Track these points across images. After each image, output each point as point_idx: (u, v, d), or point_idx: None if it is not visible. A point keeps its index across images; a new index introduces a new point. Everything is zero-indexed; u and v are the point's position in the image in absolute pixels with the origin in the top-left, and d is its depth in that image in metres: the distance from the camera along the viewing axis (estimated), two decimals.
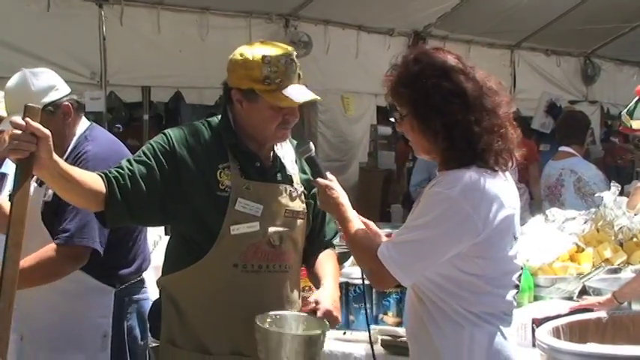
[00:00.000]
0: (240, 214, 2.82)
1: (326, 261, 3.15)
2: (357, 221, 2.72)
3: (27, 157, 2.41)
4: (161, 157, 2.78)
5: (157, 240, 4.33)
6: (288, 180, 2.99)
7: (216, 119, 2.96)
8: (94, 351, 3.27)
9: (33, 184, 3.35)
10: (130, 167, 2.74)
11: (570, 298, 3.87)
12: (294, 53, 2.89)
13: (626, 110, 5.39)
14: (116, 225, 3.00)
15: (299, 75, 2.88)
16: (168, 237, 3.10)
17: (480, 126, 2.46)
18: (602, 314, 3.24)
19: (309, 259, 3.16)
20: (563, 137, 6.60)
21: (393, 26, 11.35)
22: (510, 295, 2.58)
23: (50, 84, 3.32)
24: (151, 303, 3.46)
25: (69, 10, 8.40)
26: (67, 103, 3.31)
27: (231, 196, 2.81)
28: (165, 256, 3.01)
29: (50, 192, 3.22)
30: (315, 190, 3.00)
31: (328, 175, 2.85)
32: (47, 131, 2.43)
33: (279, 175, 2.97)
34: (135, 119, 10.65)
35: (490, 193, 2.44)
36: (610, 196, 4.73)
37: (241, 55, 2.86)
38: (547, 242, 4.29)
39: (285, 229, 2.93)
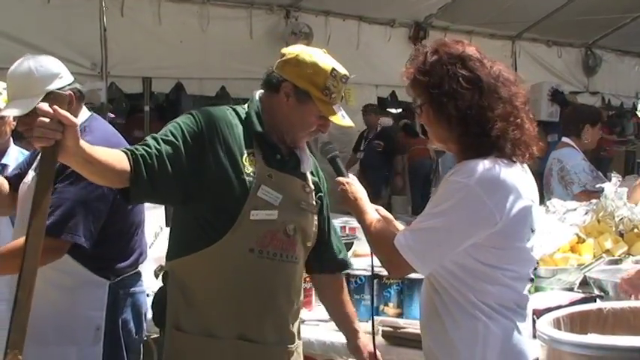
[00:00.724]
0: (261, 200, 2.84)
1: (348, 302, 3.31)
2: (373, 213, 2.74)
3: (52, 145, 2.38)
4: (188, 137, 2.78)
5: (157, 231, 4.32)
6: (302, 177, 3.03)
7: (241, 107, 2.98)
8: (87, 344, 3.23)
9: (31, 173, 3.34)
10: (158, 146, 2.72)
11: (571, 289, 3.87)
12: (346, 78, 2.97)
13: None
14: (138, 203, 3.06)
15: (342, 97, 3.00)
16: (169, 228, 3.08)
17: (493, 112, 2.47)
18: (603, 305, 3.24)
19: (321, 271, 3.27)
20: (564, 128, 6.62)
21: (394, 17, 11.35)
22: (525, 288, 2.58)
23: (54, 71, 3.29)
24: (146, 296, 3.45)
25: (70, 1, 8.40)
26: (70, 91, 3.29)
27: (255, 181, 2.83)
28: (172, 241, 3.00)
29: None
30: (322, 194, 3.12)
31: (349, 175, 2.95)
32: (74, 119, 2.40)
33: (296, 170, 3.00)
34: (135, 110, 10.66)
35: (507, 183, 2.45)
36: (611, 187, 4.73)
37: (311, 57, 2.91)
38: (548, 233, 4.29)
39: (300, 219, 2.97)
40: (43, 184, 2.43)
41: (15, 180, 3.45)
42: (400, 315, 3.60)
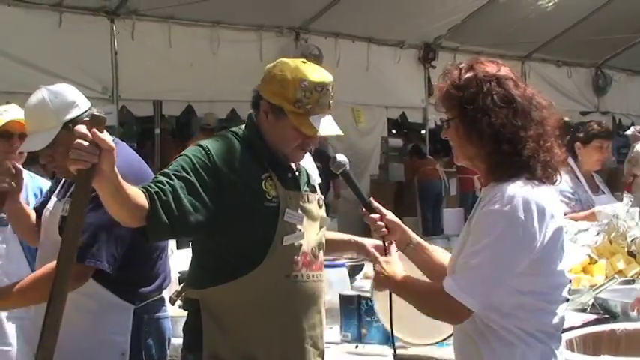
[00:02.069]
0: (289, 224, 2.80)
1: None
2: (407, 276, 2.64)
3: (88, 169, 2.34)
4: (202, 171, 2.72)
5: (169, 254, 4.32)
6: (314, 189, 3.01)
7: (240, 130, 2.94)
8: None
9: (53, 199, 3.36)
10: (171, 182, 2.66)
11: (584, 310, 3.85)
12: (333, 83, 2.89)
13: None
14: (157, 240, 2.98)
15: (329, 104, 2.89)
16: (180, 250, 3.07)
17: (526, 132, 2.45)
18: (616, 326, 3.22)
19: None
20: (567, 151, 6.53)
21: (404, 38, 11.38)
22: (562, 309, 2.53)
23: (69, 101, 3.29)
24: (170, 321, 3.44)
25: (81, 25, 8.47)
26: (87, 119, 3.29)
27: (280, 206, 2.80)
28: (199, 269, 2.94)
29: (68, 207, 3.21)
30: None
31: (373, 202, 2.87)
32: (112, 144, 2.38)
33: (307, 186, 2.98)
34: (146, 133, 10.69)
35: (543, 206, 2.42)
36: (622, 207, 4.71)
37: (281, 71, 2.86)
38: None
39: (320, 237, 2.96)
40: (78, 209, 2.39)
41: (41, 209, 3.48)
42: None
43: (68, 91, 3.32)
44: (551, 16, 11.00)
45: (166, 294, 3.40)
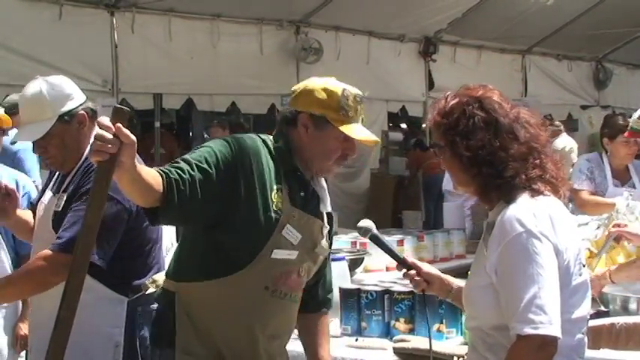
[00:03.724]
0: (284, 239, 2.82)
1: (325, 333, 3.22)
2: None
3: (107, 160, 2.34)
4: (222, 165, 2.73)
5: (168, 247, 4.32)
6: (321, 217, 3.00)
7: (268, 138, 2.94)
8: None
9: (48, 193, 3.36)
10: (192, 172, 2.67)
11: None
12: (361, 97, 2.95)
13: (638, 116, 5.35)
14: (164, 224, 3.03)
15: (363, 118, 2.96)
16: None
17: (507, 152, 2.43)
18: (616, 320, 3.23)
19: (316, 307, 3.19)
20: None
21: (404, 32, 11.37)
22: (583, 330, 2.51)
23: (65, 93, 3.30)
24: None
25: (80, 17, 8.46)
26: (82, 112, 3.30)
27: (282, 220, 2.81)
28: (181, 261, 2.96)
29: (62, 202, 3.22)
30: (332, 234, 3.13)
31: (407, 258, 2.89)
32: (133, 137, 2.37)
33: (316, 210, 2.97)
34: (146, 126, 10.68)
35: (552, 215, 2.42)
36: (622, 201, 4.71)
37: (319, 83, 2.92)
38: None
39: (312, 263, 2.98)
40: (97, 201, 2.39)
41: (37, 203, 3.49)
42: (412, 331, 3.58)
43: (65, 84, 3.33)
44: (551, 10, 10.97)
45: None
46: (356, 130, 2.89)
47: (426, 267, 2.87)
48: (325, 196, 3.00)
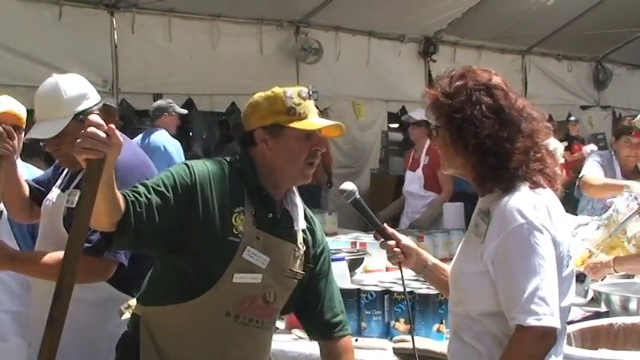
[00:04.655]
0: (247, 263, 2.74)
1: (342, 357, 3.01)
2: None
3: (98, 160, 2.31)
4: (180, 190, 2.68)
5: None
6: (294, 238, 2.89)
7: (234, 159, 2.89)
8: None
9: (56, 190, 3.36)
10: (148, 196, 2.62)
11: (583, 305, 3.86)
12: (314, 91, 2.87)
13: None
14: (119, 249, 2.95)
15: (319, 111, 2.88)
16: None
17: (512, 145, 2.43)
18: (614, 321, 3.23)
19: (326, 333, 3.02)
20: None
21: (404, 32, 11.37)
22: (565, 319, 2.52)
23: (82, 92, 3.30)
24: None
25: (80, 18, 8.46)
26: (97, 111, 3.30)
27: (242, 243, 2.73)
28: (148, 285, 2.92)
29: (75, 198, 3.21)
30: (318, 250, 2.98)
31: (387, 228, 2.82)
32: (121, 138, 2.37)
33: (286, 231, 2.86)
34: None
35: (550, 209, 2.43)
36: (623, 201, 4.71)
37: (260, 95, 2.85)
38: None
39: (281, 287, 2.85)
40: (88, 200, 2.36)
41: (35, 191, 3.47)
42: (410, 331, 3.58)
43: (81, 83, 3.34)
44: (551, 10, 10.97)
45: None
46: (313, 123, 2.80)
47: (406, 240, 2.83)
48: (298, 214, 2.89)
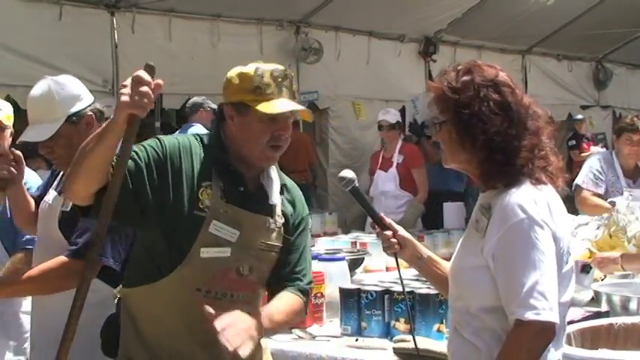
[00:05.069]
0: (213, 237, 2.72)
1: (288, 301, 2.86)
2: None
3: (138, 117, 2.42)
4: (152, 162, 2.69)
5: None
6: (270, 211, 2.85)
7: (205, 136, 2.90)
8: None
9: (52, 192, 3.36)
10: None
11: (583, 305, 3.86)
12: (289, 73, 2.83)
13: None
14: (93, 218, 2.95)
15: (294, 93, 2.83)
16: None
17: (520, 142, 2.43)
18: (614, 321, 3.23)
19: (275, 289, 2.91)
20: None
21: (404, 32, 11.37)
22: (565, 315, 2.53)
23: (74, 94, 3.29)
24: None
25: (81, 18, 8.46)
26: (90, 113, 3.29)
27: (207, 217, 2.72)
28: (129, 266, 2.93)
29: (70, 202, 3.22)
30: (296, 221, 2.93)
31: (385, 218, 2.81)
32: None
33: (261, 205, 2.83)
34: (146, 126, 10.67)
35: (551, 205, 2.43)
36: (623, 201, 4.72)
37: (234, 71, 2.85)
38: None
39: (256, 260, 2.82)
40: (124, 161, 2.53)
41: (39, 200, 3.48)
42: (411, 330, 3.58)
43: (74, 84, 3.33)
44: (551, 10, 10.98)
45: None
46: (275, 106, 2.73)
47: (402, 231, 2.83)
48: (272, 189, 2.86)
